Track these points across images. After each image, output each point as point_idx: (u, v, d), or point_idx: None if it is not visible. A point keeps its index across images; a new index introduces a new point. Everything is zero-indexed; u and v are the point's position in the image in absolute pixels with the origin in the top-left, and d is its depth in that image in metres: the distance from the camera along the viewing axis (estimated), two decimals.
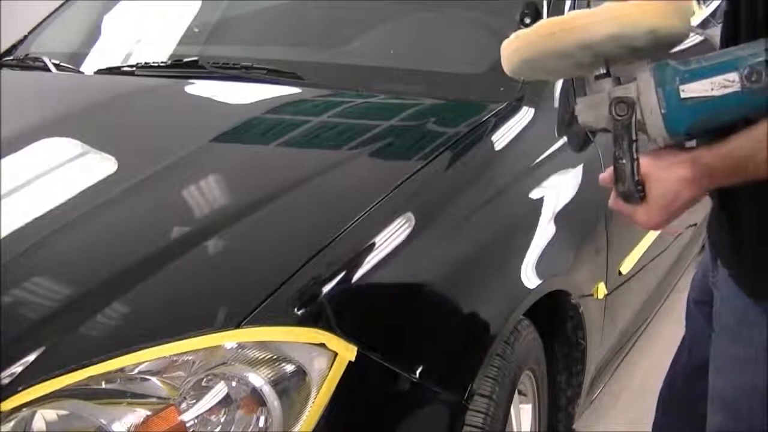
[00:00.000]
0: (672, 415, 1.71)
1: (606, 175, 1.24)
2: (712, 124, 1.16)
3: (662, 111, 1.15)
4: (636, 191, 1.19)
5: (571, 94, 2.10)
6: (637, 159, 1.18)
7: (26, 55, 2.60)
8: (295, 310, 1.37)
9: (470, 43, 2.30)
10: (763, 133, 1.10)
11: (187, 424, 1.25)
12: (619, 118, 1.17)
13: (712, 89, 1.13)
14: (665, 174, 1.17)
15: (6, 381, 1.27)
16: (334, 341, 1.34)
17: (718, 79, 1.13)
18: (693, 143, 1.21)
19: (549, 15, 2.16)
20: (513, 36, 1.23)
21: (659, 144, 1.19)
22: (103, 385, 1.28)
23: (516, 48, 1.23)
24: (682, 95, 1.14)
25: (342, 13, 2.52)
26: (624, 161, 1.18)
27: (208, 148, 1.88)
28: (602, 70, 1.21)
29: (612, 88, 1.19)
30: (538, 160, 1.93)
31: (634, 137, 1.17)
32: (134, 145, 1.95)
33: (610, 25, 1.15)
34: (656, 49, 1.20)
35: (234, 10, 2.70)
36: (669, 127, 1.16)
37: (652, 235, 2.42)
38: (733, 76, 1.12)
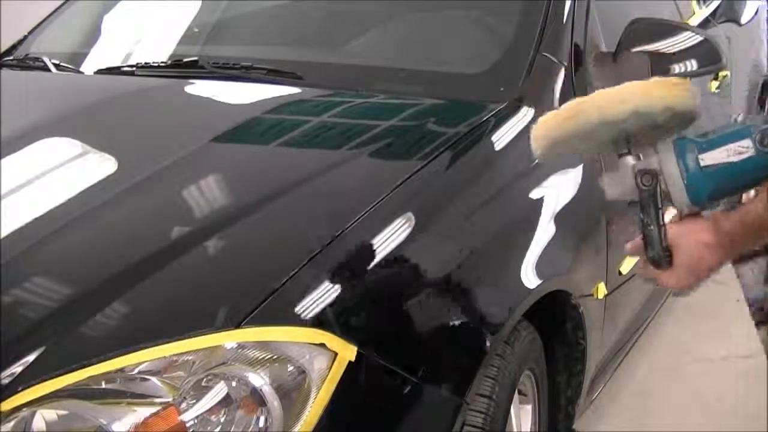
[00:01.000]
0: None
1: (633, 244, 1.33)
2: (731, 189, 1.27)
3: (684, 181, 1.25)
4: (664, 256, 1.28)
5: (571, 95, 2.10)
6: (664, 226, 1.27)
7: (26, 55, 2.60)
8: (295, 310, 1.37)
9: (470, 43, 2.30)
10: None
11: (187, 424, 1.25)
12: (645, 187, 1.26)
13: (728, 156, 1.23)
14: (690, 240, 1.27)
15: (6, 381, 1.27)
16: (334, 341, 1.34)
17: (734, 146, 1.23)
18: (718, 206, 1.31)
19: (548, 16, 2.17)
20: (539, 120, 1.32)
21: (683, 211, 1.29)
22: (103, 385, 1.28)
23: (544, 133, 1.31)
24: (702, 164, 1.24)
25: (342, 13, 2.52)
26: (652, 228, 1.27)
27: (208, 148, 1.88)
28: (624, 150, 1.30)
29: (635, 162, 1.28)
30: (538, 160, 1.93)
31: (659, 205, 1.26)
32: (134, 145, 1.95)
33: (631, 104, 1.24)
34: (673, 126, 1.28)
35: (234, 10, 2.70)
36: (691, 195, 1.25)
37: None
38: (747, 142, 1.22)
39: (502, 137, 1.92)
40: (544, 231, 1.84)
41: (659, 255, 1.28)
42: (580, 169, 2.02)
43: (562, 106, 1.30)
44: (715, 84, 2.92)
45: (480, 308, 1.63)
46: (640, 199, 1.27)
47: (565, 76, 2.12)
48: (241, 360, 1.31)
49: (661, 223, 1.27)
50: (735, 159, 1.22)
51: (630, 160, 1.29)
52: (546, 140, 1.32)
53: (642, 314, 2.59)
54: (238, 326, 1.32)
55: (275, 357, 1.31)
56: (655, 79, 1.27)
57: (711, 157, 1.24)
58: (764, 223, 1.22)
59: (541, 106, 2.03)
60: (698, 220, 1.29)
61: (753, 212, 1.22)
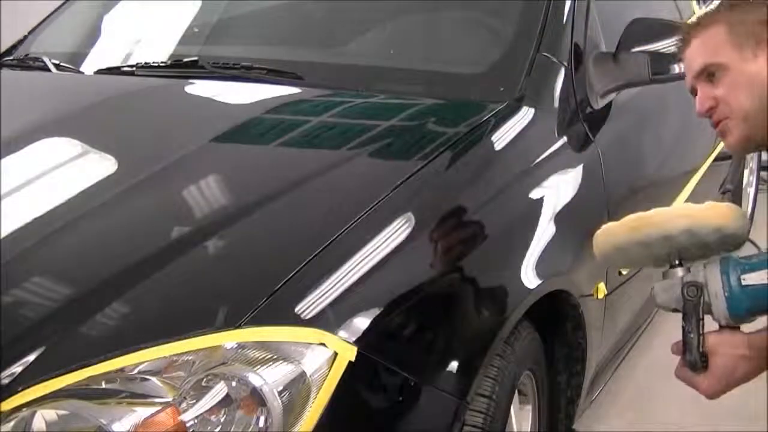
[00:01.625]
0: None
1: (676, 346, 1.48)
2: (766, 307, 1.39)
3: (725, 295, 1.39)
4: (700, 361, 1.42)
5: (571, 95, 2.11)
6: (704, 334, 1.41)
7: (26, 55, 2.60)
8: (295, 310, 1.37)
9: (470, 43, 2.30)
10: None
11: (187, 424, 1.25)
12: (690, 298, 1.41)
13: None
14: (726, 350, 1.41)
15: (6, 381, 1.27)
16: (334, 341, 1.34)
17: None
18: (754, 319, 1.44)
19: (548, 16, 2.17)
20: (604, 227, 1.52)
21: (722, 323, 1.42)
22: (103, 385, 1.28)
23: (606, 239, 1.51)
24: (743, 283, 1.39)
25: (342, 13, 2.52)
26: (692, 335, 1.41)
27: (208, 148, 1.88)
28: (676, 261, 1.46)
29: (684, 274, 1.44)
30: (538, 160, 1.93)
31: (701, 316, 1.40)
32: (134, 145, 1.95)
33: (686, 221, 1.42)
34: (722, 247, 1.45)
35: (234, 10, 2.70)
36: (731, 309, 1.40)
37: None
38: None
39: (502, 137, 1.92)
40: (544, 231, 1.83)
41: (695, 359, 1.42)
42: (580, 169, 2.02)
43: (625, 218, 1.47)
44: None
45: (480, 308, 1.63)
46: (684, 308, 1.42)
47: (565, 76, 2.12)
48: (241, 360, 1.30)
49: (701, 332, 1.41)
50: None
51: (680, 272, 1.45)
52: (608, 246, 1.51)
53: (642, 314, 2.59)
54: (238, 326, 1.32)
55: (275, 357, 1.31)
56: (710, 203, 1.46)
57: (752, 278, 1.38)
58: None
59: (541, 106, 2.04)
60: (736, 333, 1.42)
61: None
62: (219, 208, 1.69)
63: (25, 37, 2.76)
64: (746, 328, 1.45)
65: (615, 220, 2.07)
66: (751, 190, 3.87)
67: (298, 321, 1.35)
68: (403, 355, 1.46)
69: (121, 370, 1.28)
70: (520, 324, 1.73)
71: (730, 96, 1.44)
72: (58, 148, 1.98)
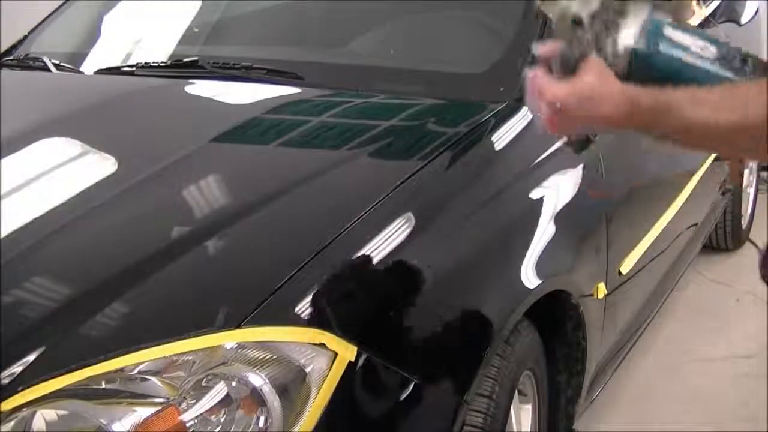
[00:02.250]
0: None
1: (550, 47, 1.23)
2: (663, 77, 1.20)
3: (640, 36, 1.21)
4: (574, 60, 1.19)
5: None
6: (599, 49, 1.21)
7: (26, 55, 2.59)
8: (295, 310, 1.37)
9: (470, 43, 2.30)
10: (701, 92, 1.14)
11: (187, 424, 1.25)
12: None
13: (689, 48, 1.21)
14: (604, 77, 1.18)
15: (6, 381, 1.27)
16: (334, 341, 1.34)
17: (701, 42, 1.21)
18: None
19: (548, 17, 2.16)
20: None
21: (614, 63, 1.21)
22: (103, 385, 1.28)
23: None
24: (665, 33, 1.21)
25: (342, 13, 2.52)
26: (589, 35, 1.20)
27: (208, 148, 1.88)
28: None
29: None
30: (538, 160, 1.93)
31: (608, 33, 1.21)
32: (134, 145, 1.95)
33: None
34: None
35: (234, 10, 2.70)
36: (637, 54, 1.21)
37: (652, 235, 2.42)
38: (713, 49, 1.21)
39: (502, 137, 1.92)
40: (544, 231, 1.83)
41: (574, 56, 1.19)
42: (580, 169, 2.02)
43: None
44: None
45: (480, 308, 1.63)
46: (593, 16, 1.21)
47: None
48: (241, 360, 1.31)
49: (598, 42, 1.21)
50: (691, 60, 1.21)
51: None
52: None
53: (642, 314, 2.59)
54: (238, 326, 1.32)
55: (275, 357, 1.31)
56: None
57: (676, 36, 1.21)
58: (672, 106, 1.13)
59: None
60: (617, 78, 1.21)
61: (670, 94, 1.15)
62: (219, 208, 1.69)
63: (25, 37, 2.76)
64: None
65: (614, 220, 2.08)
66: (751, 190, 3.87)
67: (298, 321, 1.36)
68: (403, 355, 1.46)
69: (121, 370, 1.28)
70: (520, 324, 1.73)
71: None
72: (58, 148, 1.98)
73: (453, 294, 1.59)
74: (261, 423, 1.28)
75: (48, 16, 2.82)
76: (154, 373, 1.29)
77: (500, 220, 1.78)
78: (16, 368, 1.28)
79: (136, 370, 1.29)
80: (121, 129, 2.05)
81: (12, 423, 1.24)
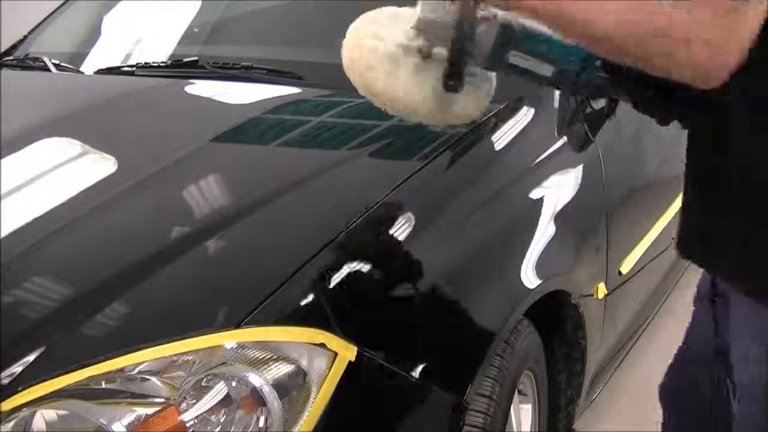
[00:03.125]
0: None
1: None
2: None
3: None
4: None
5: (571, 95, 2.10)
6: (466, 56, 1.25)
7: (26, 55, 2.60)
8: (295, 310, 1.37)
9: None
10: None
11: (187, 424, 1.25)
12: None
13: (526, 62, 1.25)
14: None
15: (6, 381, 1.27)
16: (334, 341, 1.34)
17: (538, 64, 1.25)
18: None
19: None
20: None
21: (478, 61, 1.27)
22: (103, 385, 1.28)
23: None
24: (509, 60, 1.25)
25: (342, 13, 2.51)
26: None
27: (208, 148, 1.88)
28: None
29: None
30: (538, 160, 1.93)
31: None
32: (134, 145, 1.95)
33: None
34: None
35: (234, 10, 2.70)
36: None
37: (652, 235, 2.42)
38: (548, 69, 1.25)
39: (502, 137, 1.92)
40: (544, 231, 1.83)
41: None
42: (580, 169, 2.02)
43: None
44: None
45: (480, 308, 1.63)
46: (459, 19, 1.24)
47: None
48: (241, 360, 1.31)
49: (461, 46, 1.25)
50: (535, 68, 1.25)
51: None
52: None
53: (642, 314, 2.59)
54: (238, 326, 1.32)
55: (275, 357, 1.31)
56: None
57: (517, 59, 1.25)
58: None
59: (541, 106, 2.04)
60: None
61: None
62: (219, 208, 1.69)
63: (25, 37, 2.76)
64: None
65: (614, 220, 2.08)
66: None
67: (298, 321, 1.36)
68: (403, 355, 1.46)
69: (121, 370, 1.28)
70: (520, 324, 1.73)
71: None
72: (58, 148, 1.98)
73: (453, 294, 1.59)
74: (261, 423, 1.28)
75: (48, 16, 2.82)
76: (154, 373, 1.29)
77: (500, 220, 1.78)
78: (16, 368, 1.28)
79: (136, 370, 1.29)
80: (121, 129, 2.05)
81: (12, 423, 1.24)
